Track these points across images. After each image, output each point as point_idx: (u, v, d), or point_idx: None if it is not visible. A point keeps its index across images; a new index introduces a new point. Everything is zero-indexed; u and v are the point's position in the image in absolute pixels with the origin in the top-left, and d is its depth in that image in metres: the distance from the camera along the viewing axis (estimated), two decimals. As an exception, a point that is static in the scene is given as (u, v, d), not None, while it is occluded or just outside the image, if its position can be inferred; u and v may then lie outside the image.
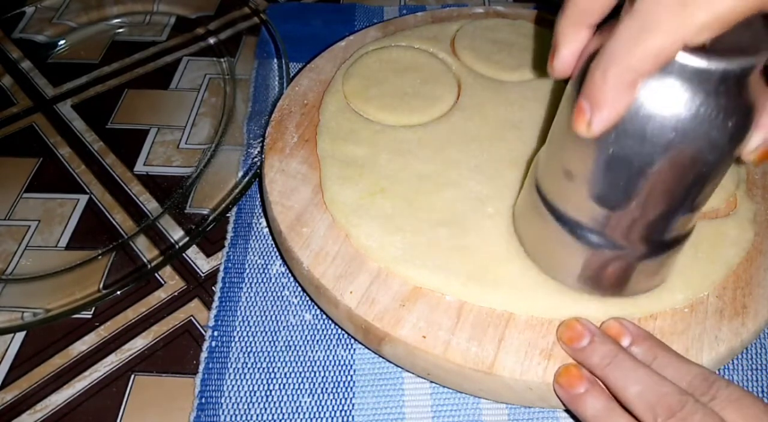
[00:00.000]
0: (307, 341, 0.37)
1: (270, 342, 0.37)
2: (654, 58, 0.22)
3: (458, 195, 0.37)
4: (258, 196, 0.45)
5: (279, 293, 0.39)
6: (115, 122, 0.51)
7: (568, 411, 0.31)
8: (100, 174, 0.47)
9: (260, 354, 0.37)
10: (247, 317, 0.38)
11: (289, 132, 0.42)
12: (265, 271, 0.41)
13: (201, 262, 0.42)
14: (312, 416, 0.34)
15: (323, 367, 0.36)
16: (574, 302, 0.32)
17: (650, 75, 0.23)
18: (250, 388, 0.35)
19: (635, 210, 0.27)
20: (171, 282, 0.41)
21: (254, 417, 0.34)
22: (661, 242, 0.29)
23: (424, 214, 0.36)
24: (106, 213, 0.44)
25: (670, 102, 0.23)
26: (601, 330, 0.31)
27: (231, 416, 0.34)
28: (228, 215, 0.44)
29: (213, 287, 0.40)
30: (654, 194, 0.26)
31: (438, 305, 0.33)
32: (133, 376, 0.36)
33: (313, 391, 0.35)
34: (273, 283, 0.40)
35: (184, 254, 0.42)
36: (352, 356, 0.37)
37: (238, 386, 0.35)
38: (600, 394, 0.28)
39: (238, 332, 0.38)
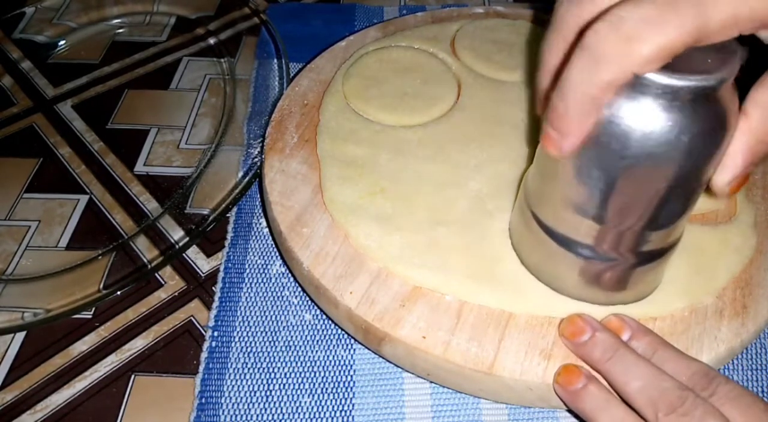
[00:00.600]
0: (307, 341, 0.37)
1: (270, 342, 0.37)
2: (607, 87, 0.23)
3: (458, 195, 0.37)
4: (258, 196, 0.45)
5: (279, 294, 0.39)
6: (116, 122, 0.51)
7: (570, 411, 0.31)
8: (100, 174, 0.47)
9: (260, 354, 0.37)
10: (247, 317, 0.38)
11: (289, 132, 0.42)
12: (265, 271, 0.41)
13: (201, 262, 0.42)
14: (312, 416, 0.34)
15: (323, 367, 0.36)
16: (573, 303, 0.32)
17: (608, 99, 0.24)
18: (250, 388, 0.35)
19: (618, 224, 0.28)
20: (171, 282, 0.41)
21: (254, 417, 0.34)
22: (650, 252, 0.30)
23: (423, 214, 0.36)
24: (107, 213, 0.44)
25: (640, 119, 0.24)
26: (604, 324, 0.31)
27: (231, 416, 0.34)
28: (228, 215, 0.44)
29: (213, 288, 0.40)
30: (633, 208, 0.27)
31: (438, 305, 0.33)
32: (133, 376, 0.36)
33: (313, 391, 0.35)
34: (273, 283, 0.40)
35: (184, 255, 0.42)
36: (352, 356, 0.37)
37: (238, 386, 0.35)
38: (598, 388, 0.29)
39: (238, 332, 0.38)
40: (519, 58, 0.46)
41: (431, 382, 0.35)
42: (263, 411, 0.34)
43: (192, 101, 0.52)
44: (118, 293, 0.39)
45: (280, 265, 0.41)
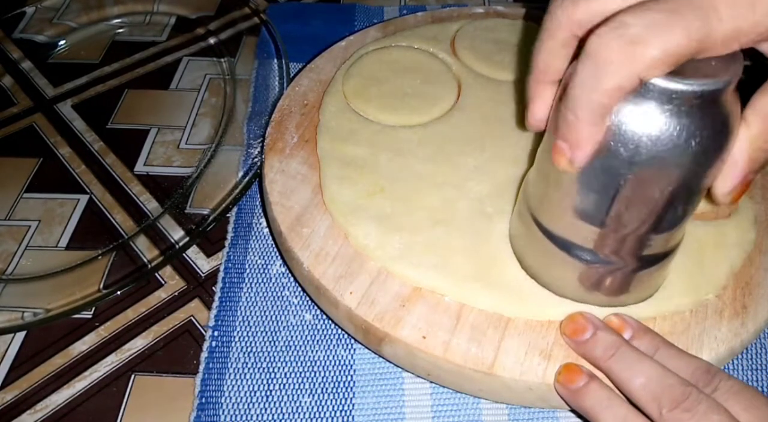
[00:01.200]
0: (307, 341, 0.37)
1: (270, 342, 0.37)
2: (615, 93, 0.23)
3: (457, 195, 0.37)
4: (258, 196, 0.45)
5: (279, 294, 0.39)
6: (116, 122, 0.51)
7: (573, 411, 0.31)
8: (100, 174, 0.47)
9: (260, 354, 0.37)
10: (248, 317, 0.38)
11: (290, 132, 0.42)
12: (266, 271, 0.41)
13: (201, 262, 0.42)
14: (312, 416, 0.34)
15: (323, 367, 0.36)
16: (572, 306, 0.32)
17: (616, 105, 0.24)
18: (251, 388, 0.35)
19: (621, 228, 0.28)
20: (171, 282, 0.41)
21: (254, 417, 0.34)
22: (652, 256, 0.30)
23: (423, 214, 0.36)
24: (107, 213, 0.44)
25: (648, 124, 0.24)
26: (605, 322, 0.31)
27: (231, 416, 0.34)
28: (228, 215, 0.44)
29: (213, 287, 0.40)
30: (637, 212, 0.27)
31: (438, 305, 0.33)
32: (133, 376, 0.36)
33: (313, 391, 0.35)
34: (273, 283, 0.40)
35: (184, 254, 0.42)
36: (352, 356, 0.37)
37: (239, 386, 0.35)
38: (600, 386, 0.29)
39: (238, 332, 0.38)
40: (519, 58, 0.46)
41: (431, 382, 0.35)
42: (263, 411, 0.34)
43: (192, 101, 0.52)
44: (118, 293, 0.39)
45: (280, 265, 0.41)
